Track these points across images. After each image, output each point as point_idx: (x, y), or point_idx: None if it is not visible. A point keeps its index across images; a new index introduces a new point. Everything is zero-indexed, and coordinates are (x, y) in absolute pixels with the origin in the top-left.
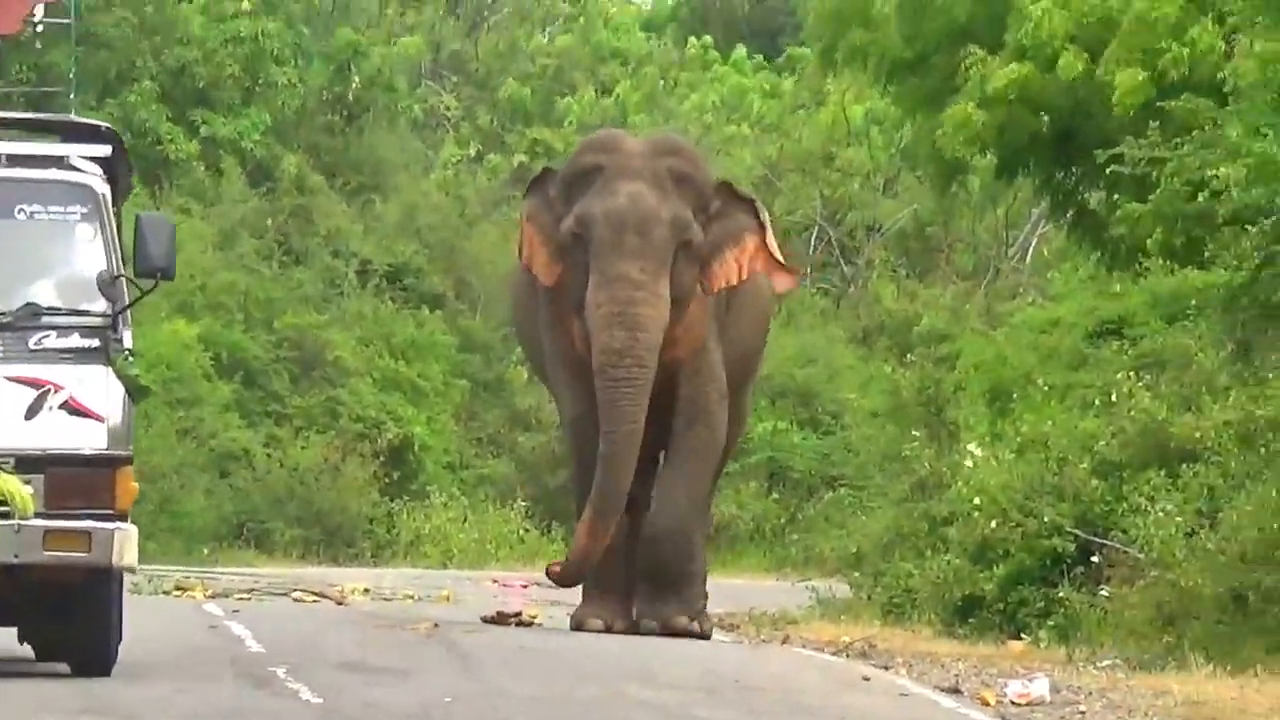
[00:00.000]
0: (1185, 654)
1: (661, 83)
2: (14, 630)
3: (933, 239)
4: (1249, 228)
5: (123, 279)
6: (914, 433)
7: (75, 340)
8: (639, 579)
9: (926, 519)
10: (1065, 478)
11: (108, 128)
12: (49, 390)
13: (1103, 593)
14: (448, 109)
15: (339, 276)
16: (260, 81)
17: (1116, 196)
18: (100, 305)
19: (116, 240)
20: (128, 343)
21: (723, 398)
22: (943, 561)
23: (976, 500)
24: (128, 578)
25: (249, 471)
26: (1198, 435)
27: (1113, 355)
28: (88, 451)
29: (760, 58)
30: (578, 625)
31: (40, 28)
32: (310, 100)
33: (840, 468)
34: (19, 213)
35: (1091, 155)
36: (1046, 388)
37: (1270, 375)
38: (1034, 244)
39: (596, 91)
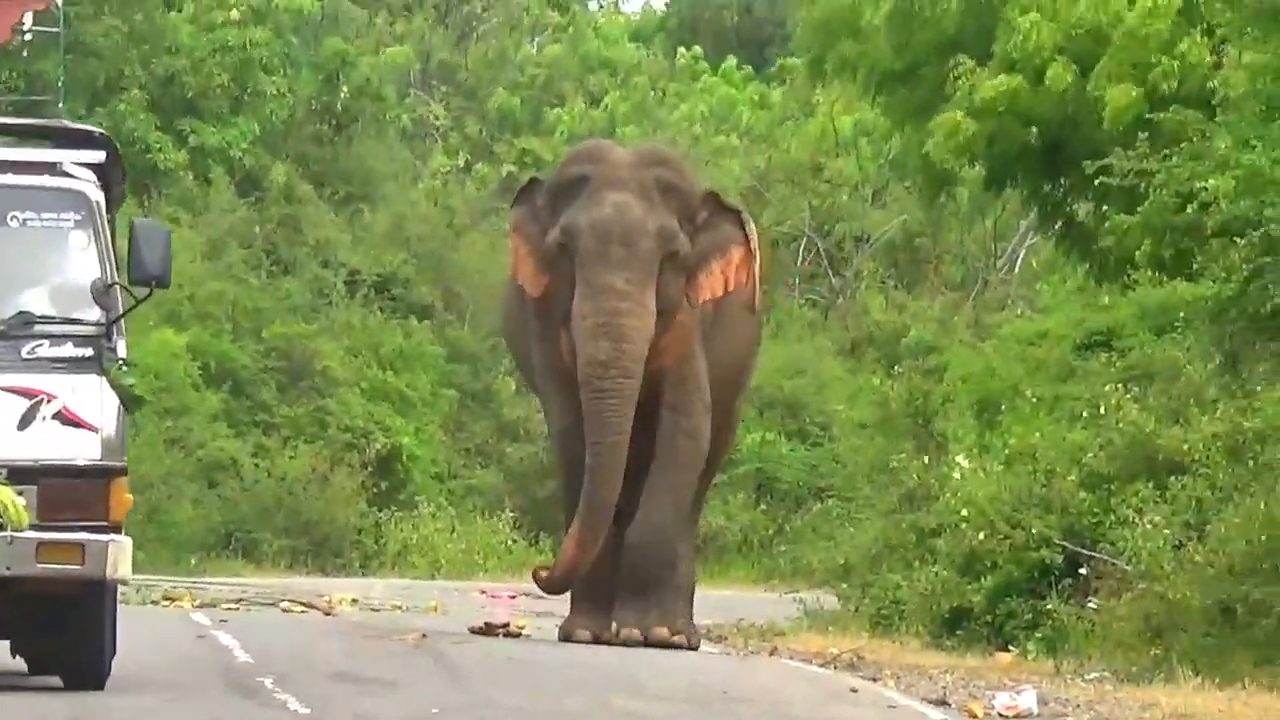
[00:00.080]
0: (1173, 666)
1: (651, 93)
2: (6, 643)
3: (921, 250)
4: (1237, 240)
5: (117, 287)
6: (902, 444)
7: (69, 349)
8: (620, 588)
9: (914, 530)
10: (1053, 490)
11: (101, 133)
12: (42, 400)
13: (1090, 605)
14: (436, 119)
15: (327, 286)
16: (249, 91)
17: (1105, 208)
18: (94, 314)
19: (111, 247)
20: (122, 352)
21: (706, 408)
22: (931, 573)
23: (964, 512)
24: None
25: (237, 481)
26: (1186, 447)
27: (1101, 367)
28: (81, 462)
29: (749, 68)
30: (566, 636)
31: (29, 36)
32: (299, 110)
33: (828, 479)
34: (11, 219)
35: (1080, 167)
36: (1035, 399)
37: (1258, 388)
38: (1022, 255)
39: (585, 102)
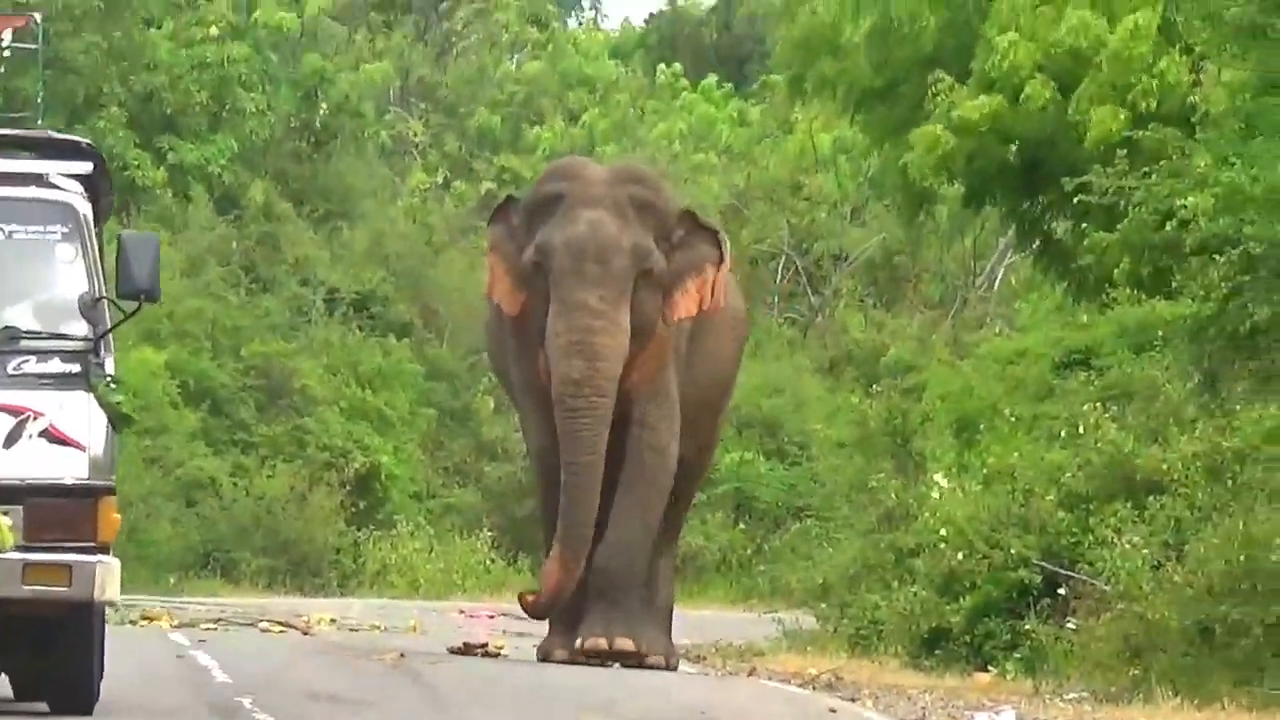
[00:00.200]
0: (1152, 686)
1: (630, 111)
2: None
3: (900, 268)
4: (1216, 258)
5: (105, 301)
6: (881, 464)
7: (55, 365)
8: (588, 602)
9: (893, 550)
10: (1032, 509)
11: (89, 145)
12: (28, 417)
13: (1069, 625)
14: (415, 135)
15: (306, 304)
16: (228, 108)
17: (1084, 226)
18: (81, 329)
19: (99, 260)
20: (110, 368)
21: (675, 423)
22: (909, 593)
23: (943, 531)
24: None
25: (215, 500)
26: (1164, 467)
27: (1079, 386)
28: (69, 481)
29: (730, 86)
30: (544, 656)
31: (8, 53)
32: (278, 127)
33: (807, 498)
34: None
35: (1058, 184)
36: (1013, 419)
37: (1237, 407)
38: (1001, 274)
39: (565, 119)
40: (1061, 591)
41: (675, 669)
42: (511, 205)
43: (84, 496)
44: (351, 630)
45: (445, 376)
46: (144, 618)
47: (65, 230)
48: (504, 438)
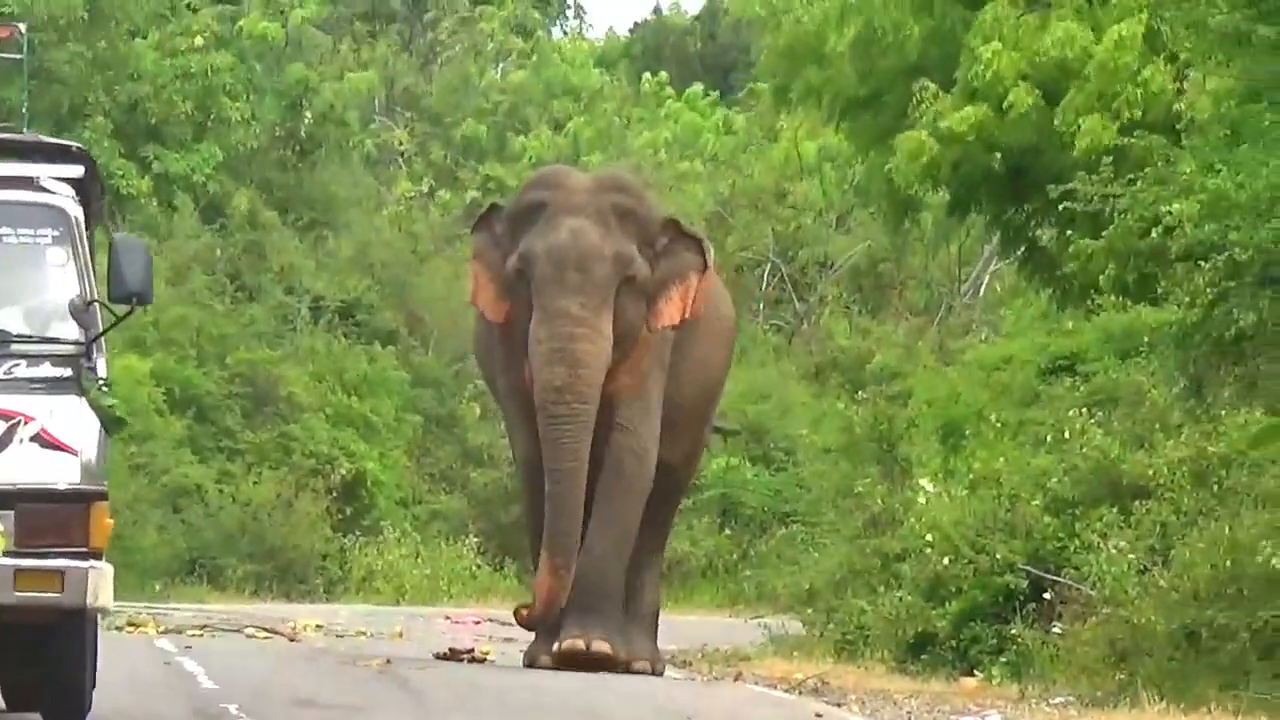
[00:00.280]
0: (1138, 691)
1: (616, 119)
2: None
3: (885, 275)
4: (1202, 264)
5: (96, 304)
6: (867, 469)
7: (46, 369)
8: (567, 608)
9: (879, 555)
10: (1017, 514)
11: (79, 148)
12: (19, 422)
13: (1055, 630)
14: (400, 144)
15: (291, 312)
16: (212, 117)
17: (1070, 233)
18: (73, 332)
19: (90, 264)
20: (102, 371)
21: (655, 430)
22: (895, 598)
23: (929, 537)
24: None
25: (201, 507)
26: (1150, 472)
27: (1065, 392)
28: (61, 486)
29: (715, 94)
30: (530, 662)
31: None
32: (263, 136)
33: (793, 504)
34: None
35: (1043, 191)
36: (999, 424)
37: (1223, 412)
38: (986, 281)
39: (550, 128)
40: (1047, 596)
41: (661, 674)
42: (495, 214)
43: (76, 502)
44: (338, 636)
45: (430, 383)
46: (130, 624)
47: (56, 234)
48: (489, 444)
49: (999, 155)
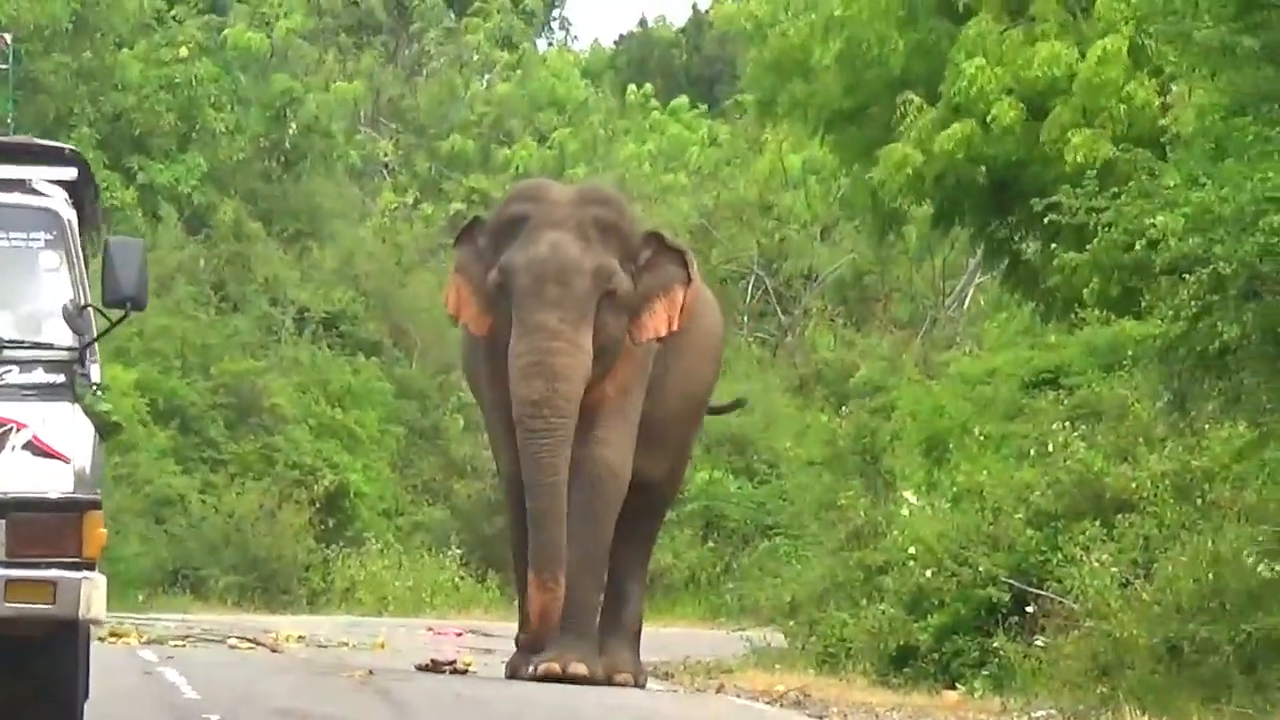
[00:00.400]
0: (1120, 704)
1: (601, 131)
2: None
3: (869, 288)
4: (1186, 278)
5: (90, 309)
6: (850, 482)
7: (39, 375)
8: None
9: (862, 568)
10: (1000, 528)
11: (73, 151)
12: (11, 429)
13: (1038, 643)
14: (385, 156)
15: (275, 323)
16: (197, 128)
17: (1054, 246)
18: (66, 338)
19: (84, 268)
20: (96, 377)
21: (631, 444)
22: (878, 611)
23: (912, 550)
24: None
25: (184, 517)
26: (1133, 486)
27: (1048, 406)
28: (53, 495)
29: (701, 107)
30: (512, 673)
31: None
32: (247, 147)
33: (776, 516)
34: None
35: (1027, 205)
36: (982, 438)
37: (1206, 426)
38: (970, 294)
39: (535, 140)
40: (1030, 609)
41: (644, 687)
42: (477, 226)
43: (69, 510)
44: (320, 647)
45: (414, 395)
46: (112, 634)
47: (49, 237)
48: (473, 456)
49: (983, 169)
